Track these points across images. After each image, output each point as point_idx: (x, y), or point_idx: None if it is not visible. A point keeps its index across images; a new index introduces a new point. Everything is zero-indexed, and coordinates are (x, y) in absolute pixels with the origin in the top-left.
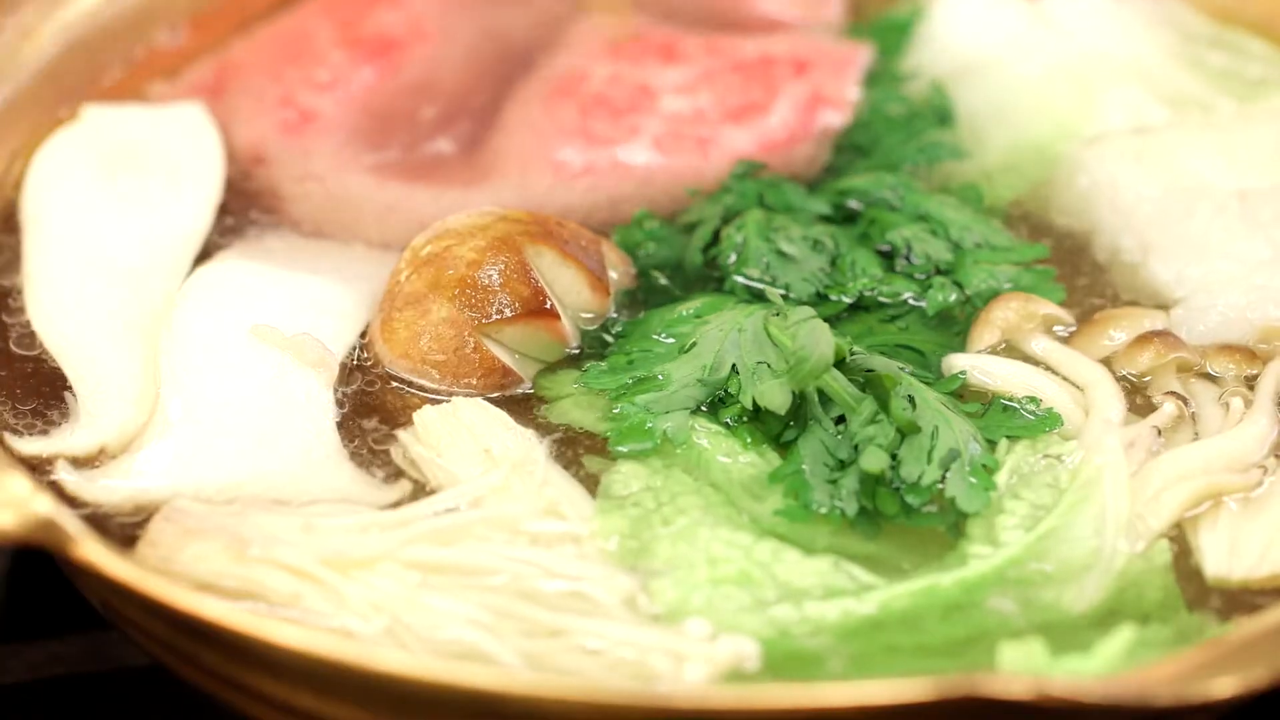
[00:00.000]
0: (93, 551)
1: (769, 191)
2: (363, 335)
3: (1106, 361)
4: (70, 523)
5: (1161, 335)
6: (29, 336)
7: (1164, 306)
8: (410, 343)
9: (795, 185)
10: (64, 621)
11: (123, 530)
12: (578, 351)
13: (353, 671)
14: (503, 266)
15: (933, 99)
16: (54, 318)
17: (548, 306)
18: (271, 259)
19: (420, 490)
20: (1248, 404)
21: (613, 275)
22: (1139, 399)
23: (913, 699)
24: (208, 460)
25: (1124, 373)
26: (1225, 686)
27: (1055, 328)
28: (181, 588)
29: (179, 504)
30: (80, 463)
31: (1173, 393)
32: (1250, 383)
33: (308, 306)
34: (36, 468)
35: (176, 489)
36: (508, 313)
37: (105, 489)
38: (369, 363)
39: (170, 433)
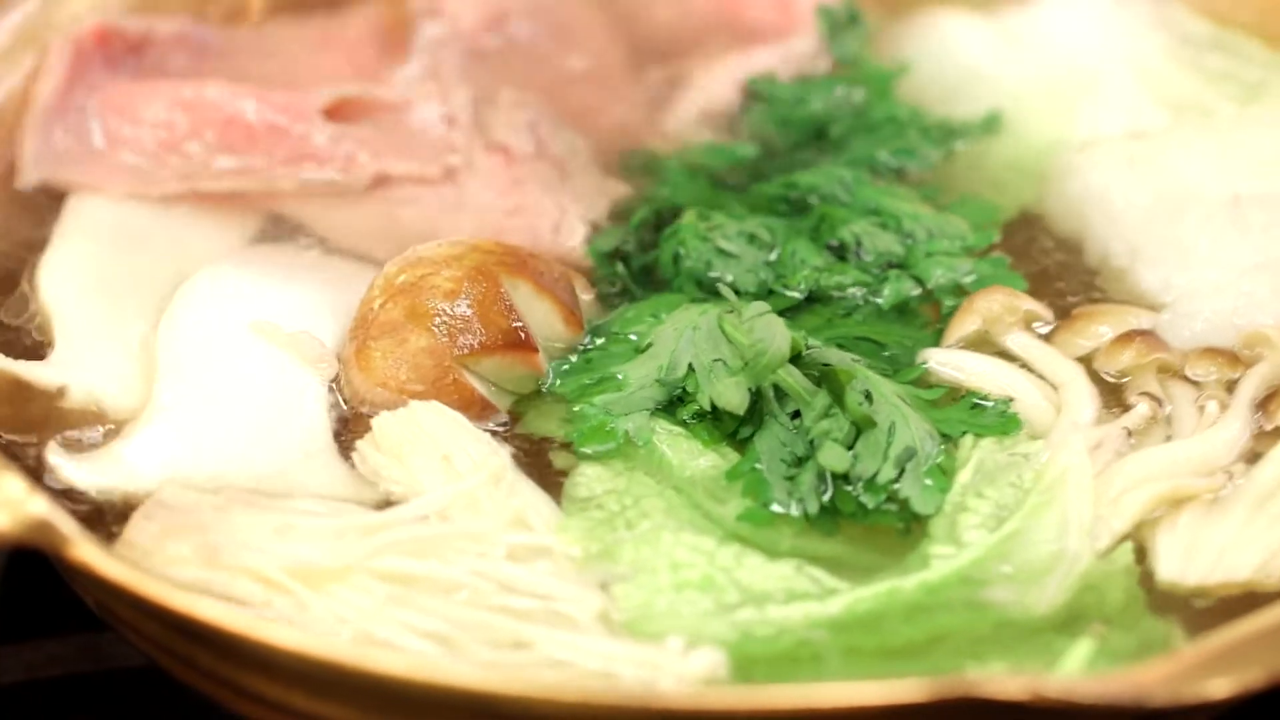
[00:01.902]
0: (88, 553)
1: (705, 155)
2: None
3: (1088, 359)
4: (65, 524)
5: (1144, 335)
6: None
7: (1153, 311)
8: (388, 372)
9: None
10: (60, 622)
11: (108, 523)
12: (550, 384)
13: (347, 672)
14: (481, 297)
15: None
16: (57, 272)
17: (526, 339)
18: (273, 267)
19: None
20: (1224, 408)
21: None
22: (1116, 398)
23: (906, 700)
24: (199, 449)
25: (1104, 371)
26: (1221, 687)
27: (1035, 324)
28: (174, 589)
29: (162, 497)
30: (69, 443)
31: (1147, 393)
32: (1231, 387)
33: (308, 306)
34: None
35: (166, 476)
36: (487, 344)
37: (94, 473)
38: (343, 394)
39: (164, 419)
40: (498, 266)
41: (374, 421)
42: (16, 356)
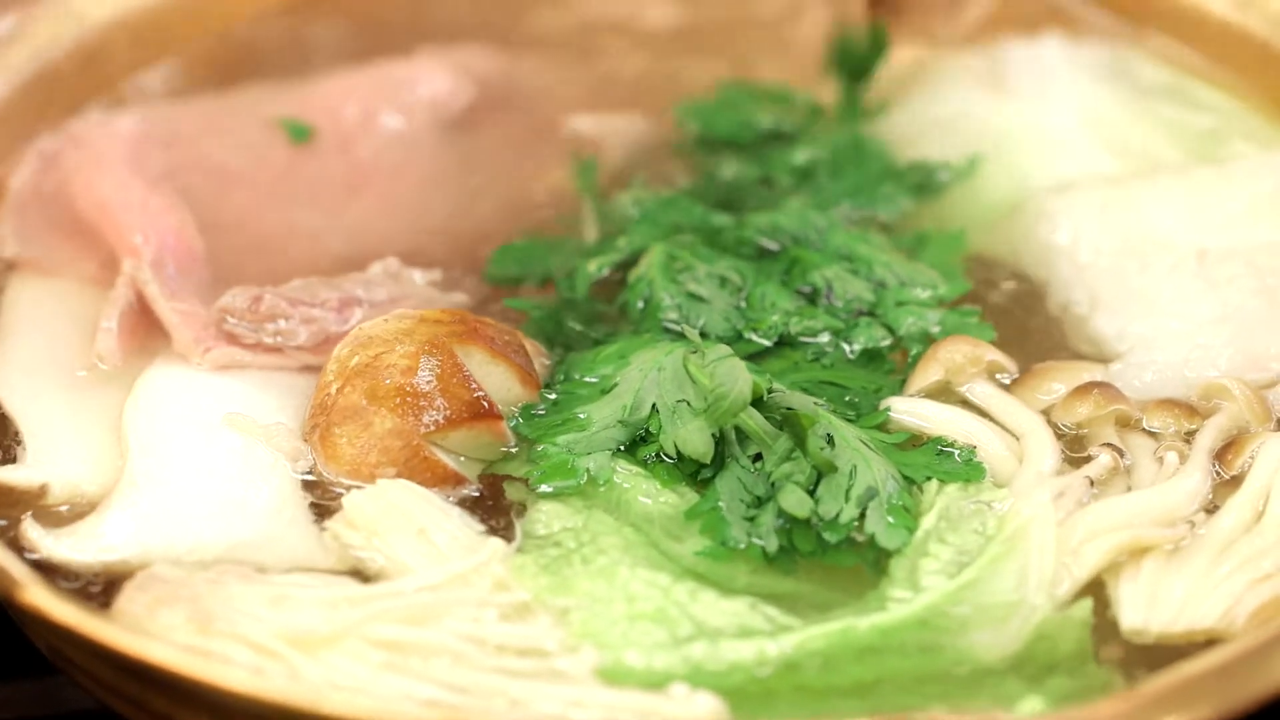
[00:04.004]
0: (38, 596)
1: (665, 209)
2: None
3: (1045, 413)
4: (15, 568)
5: (1102, 387)
6: None
7: (1106, 361)
8: (358, 459)
9: (692, 201)
10: (12, 666)
11: (95, 593)
12: (515, 450)
13: (300, 715)
14: (439, 371)
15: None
16: (8, 369)
17: (490, 408)
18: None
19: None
20: (1183, 458)
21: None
22: (1075, 451)
23: None
24: (176, 522)
25: (1062, 424)
26: None
27: (997, 374)
28: (124, 630)
29: (155, 570)
30: (46, 519)
31: (1108, 444)
32: (1190, 438)
33: (272, 391)
34: None
35: (145, 550)
36: (453, 417)
37: (73, 548)
38: (312, 477)
39: (138, 494)
40: (449, 337)
41: (345, 500)
42: None
